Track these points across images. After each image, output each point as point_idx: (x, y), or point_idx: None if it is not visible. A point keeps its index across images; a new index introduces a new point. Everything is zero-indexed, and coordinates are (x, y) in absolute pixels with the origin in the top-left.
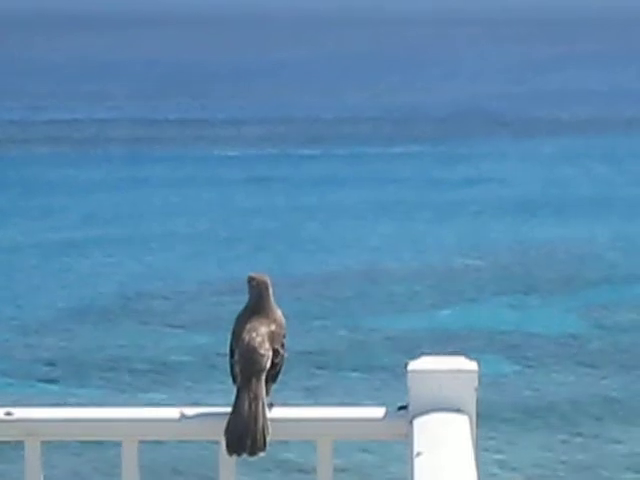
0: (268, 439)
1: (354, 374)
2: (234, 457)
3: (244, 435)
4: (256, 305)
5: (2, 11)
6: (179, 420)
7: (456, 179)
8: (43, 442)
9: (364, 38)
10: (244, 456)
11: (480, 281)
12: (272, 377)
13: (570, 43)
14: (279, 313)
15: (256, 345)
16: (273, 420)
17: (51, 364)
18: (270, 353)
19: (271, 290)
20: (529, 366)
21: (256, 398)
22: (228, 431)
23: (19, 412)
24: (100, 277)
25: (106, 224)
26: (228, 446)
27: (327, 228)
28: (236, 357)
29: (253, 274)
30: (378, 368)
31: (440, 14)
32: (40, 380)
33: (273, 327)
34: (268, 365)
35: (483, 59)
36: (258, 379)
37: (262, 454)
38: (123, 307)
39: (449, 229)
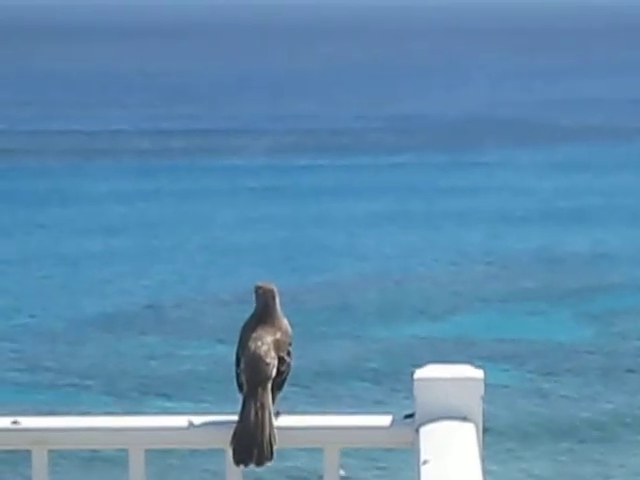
0: (275, 448)
1: (361, 382)
2: (241, 466)
3: (251, 444)
4: (262, 314)
5: (6, 20)
6: (187, 428)
7: (462, 187)
8: (50, 451)
9: (368, 47)
10: (251, 466)
11: (487, 290)
12: (278, 385)
13: (576, 52)
14: (285, 321)
15: (262, 353)
16: (280, 428)
17: (60, 372)
18: (276, 361)
19: (278, 299)
20: (536, 375)
21: (262, 407)
22: (235, 440)
23: (26, 421)
24: (109, 287)
25: (117, 235)
26: (235, 455)
27: (334, 237)
28: (242, 366)
29: (260, 283)
30: (385, 376)
31: (444, 23)
32: (48, 389)
33: (279, 335)
34: (274, 373)
35: (488, 68)
36: (264, 388)
37: (269, 463)
38: (134, 317)
39: (456, 237)
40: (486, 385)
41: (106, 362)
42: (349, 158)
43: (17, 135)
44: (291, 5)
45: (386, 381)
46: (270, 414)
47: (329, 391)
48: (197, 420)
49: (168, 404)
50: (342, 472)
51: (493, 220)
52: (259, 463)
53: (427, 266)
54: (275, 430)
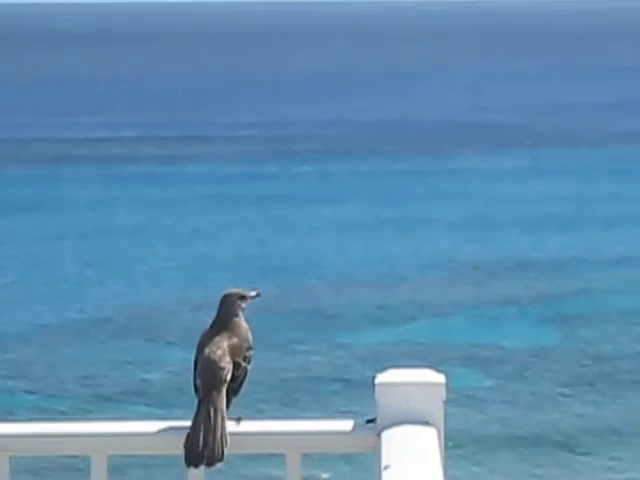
0: (226, 450)
1: (327, 388)
2: (202, 470)
3: (202, 446)
4: (221, 320)
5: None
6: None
7: (431, 193)
8: (11, 457)
9: (353, 52)
10: (201, 468)
11: (454, 294)
12: (233, 390)
13: (559, 56)
14: (244, 327)
15: (216, 358)
16: (242, 434)
17: (26, 378)
18: (230, 366)
19: (240, 305)
20: (502, 380)
21: (215, 410)
22: (187, 443)
23: None
24: (81, 293)
25: (89, 240)
26: (186, 458)
27: (304, 244)
28: (197, 370)
29: (226, 290)
30: (351, 382)
31: (428, 29)
32: (14, 394)
33: (235, 340)
34: (228, 378)
35: (471, 72)
36: (218, 391)
37: (219, 465)
38: (106, 323)
39: (426, 243)
40: (450, 389)
41: (76, 368)
42: (325, 164)
43: (16, 142)
44: (278, 10)
45: (352, 387)
46: (223, 417)
47: (296, 397)
48: (159, 426)
49: (140, 410)
50: (325, 475)
51: (464, 225)
52: (209, 464)
53: (392, 271)
54: (227, 432)
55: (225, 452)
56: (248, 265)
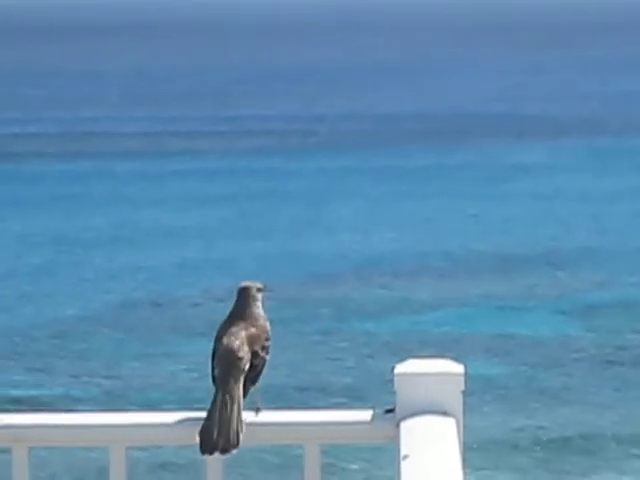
0: (242, 436)
1: (342, 378)
2: (220, 460)
3: (217, 433)
4: (238, 311)
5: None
6: (174, 422)
7: (454, 183)
8: (31, 448)
9: (364, 44)
10: (217, 455)
11: (476, 285)
12: (252, 379)
13: (569, 47)
14: (262, 318)
15: (234, 348)
16: (260, 424)
17: (48, 370)
18: (249, 355)
19: (257, 297)
20: (525, 370)
21: (232, 398)
22: (202, 431)
23: (6, 418)
24: (87, 286)
25: (91, 233)
26: (201, 445)
27: (320, 233)
28: (216, 360)
29: (242, 283)
30: (368, 371)
31: (439, 20)
32: (29, 387)
33: (253, 330)
34: (246, 367)
35: (482, 63)
36: (236, 380)
37: (234, 451)
38: (124, 314)
39: (446, 233)
40: (469, 379)
41: (87, 360)
42: (348, 156)
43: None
44: (289, 3)
45: (369, 376)
46: (239, 405)
47: (310, 386)
48: (178, 417)
49: (153, 401)
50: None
51: (487, 215)
52: (224, 450)
53: (409, 261)
54: (243, 419)
55: (240, 438)
56: (272, 256)
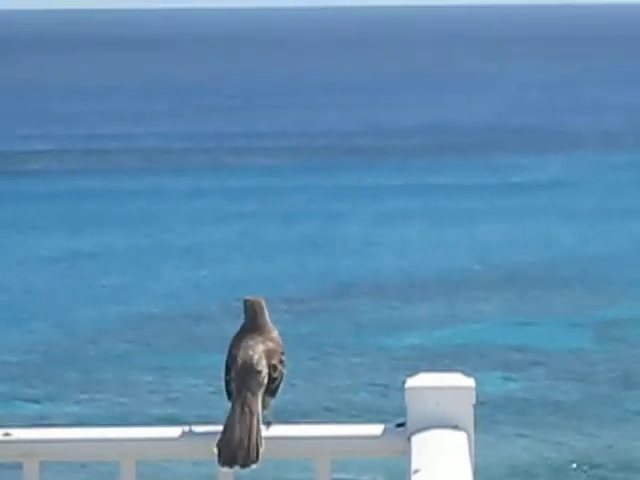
0: (261, 451)
1: (354, 391)
2: (232, 473)
3: (237, 447)
4: (252, 325)
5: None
6: (182, 436)
7: (474, 192)
8: (42, 462)
9: (384, 57)
10: (236, 468)
11: (488, 298)
12: (271, 393)
13: (587, 60)
14: (275, 332)
15: (254, 362)
16: (271, 438)
17: (58, 384)
18: (267, 369)
19: (266, 311)
20: (535, 383)
21: (251, 412)
22: (221, 442)
23: (17, 433)
24: (104, 297)
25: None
26: (220, 457)
27: (329, 242)
28: (232, 374)
29: (248, 297)
30: (379, 385)
31: (463, 33)
32: (42, 401)
33: (270, 344)
34: (265, 381)
35: (504, 76)
36: (254, 394)
37: (254, 466)
38: (138, 328)
39: (458, 246)
40: (481, 393)
41: (100, 373)
42: (351, 173)
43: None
44: (305, 18)
45: (383, 390)
46: (258, 419)
47: (322, 399)
48: (188, 430)
49: (167, 414)
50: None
51: (495, 231)
52: (244, 465)
53: (421, 274)
54: (262, 434)
55: (260, 453)
56: (286, 272)
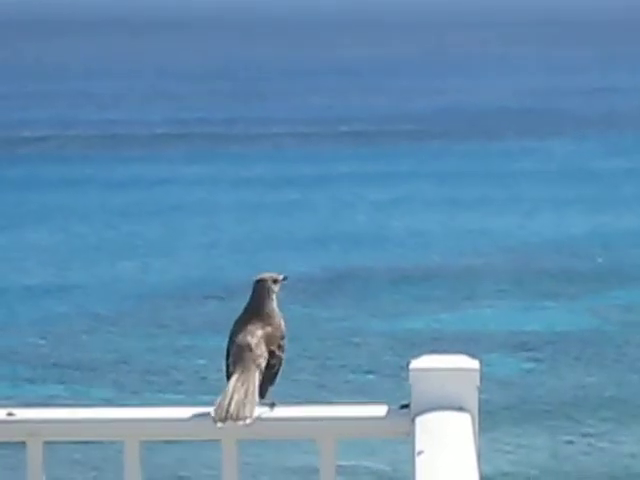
0: (255, 411)
1: (359, 374)
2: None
3: (230, 404)
4: (254, 308)
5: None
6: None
7: (479, 175)
8: (45, 442)
9: (397, 41)
10: (229, 422)
11: (488, 281)
12: (269, 379)
13: (605, 44)
14: (278, 316)
15: (252, 346)
16: (275, 419)
17: (57, 366)
18: (266, 354)
19: (273, 289)
20: (537, 366)
21: (247, 380)
22: (217, 405)
23: (21, 413)
24: (106, 279)
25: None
26: (215, 415)
27: (330, 226)
28: (231, 358)
29: (259, 275)
30: (387, 367)
31: (471, 18)
32: (47, 382)
33: (269, 329)
34: (263, 365)
35: (511, 60)
36: (250, 371)
37: (249, 421)
38: (132, 310)
39: (464, 227)
40: (485, 376)
41: (104, 355)
42: (361, 159)
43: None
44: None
45: (387, 372)
46: (254, 387)
47: (326, 382)
48: (192, 411)
49: (168, 396)
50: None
51: (506, 209)
52: (237, 419)
53: (426, 257)
54: (257, 396)
55: (255, 411)
56: (294, 254)
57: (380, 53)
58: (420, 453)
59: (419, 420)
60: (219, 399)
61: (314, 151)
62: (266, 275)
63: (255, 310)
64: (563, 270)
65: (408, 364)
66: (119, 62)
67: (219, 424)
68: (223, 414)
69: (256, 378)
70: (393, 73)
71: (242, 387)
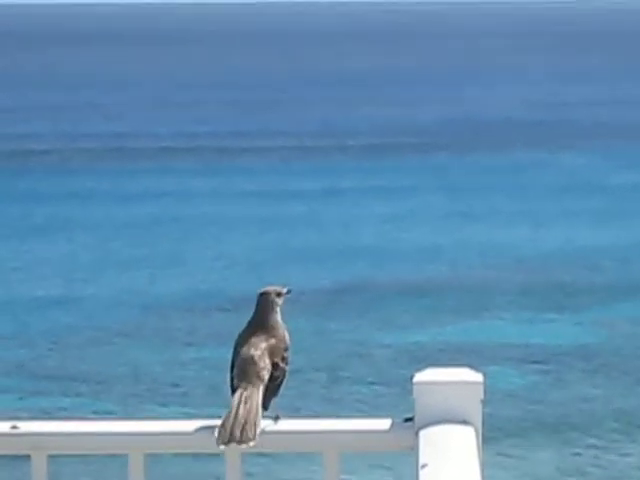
0: (259, 431)
1: (363, 385)
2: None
3: (235, 426)
4: (258, 320)
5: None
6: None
7: (481, 188)
8: (49, 456)
9: (406, 51)
10: (233, 445)
11: (495, 294)
12: (273, 390)
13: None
14: (281, 328)
15: (256, 359)
16: (279, 432)
17: (64, 379)
18: (269, 366)
19: (277, 302)
20: (542, 378)
21: (250, 397)
22: (221, 426)
23: (25, 425)
24: (109, 293)
25: (116, 239)
26: (218, 436)
27: (337, 239)
28: (235, 370)
29: (263, 288)
30: (390, 380)
31: (486, 28)
32: (53, 394)
33: (273, 341)
34: (266, 378)
35: (517, 70)
36: (255, 387)
37: (252, 444)
38: (137, 323)
39: (464, 241)
40: (490, 389)
41: (110, 367)
42: (369, 169)
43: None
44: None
45: (392, 385)
46: (257, 404)
47: (331, 395)
48: (196, 424)
49: (171, 409)
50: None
51: (514, 222)
52: (241, 442)
53: (430, 269)
54: (260, 417)
55: (258, 433)
56: (301, 266)
57: (386, 64)
58: (424, 466)
59: (423, 433)
60: (223, 418)
61: (321, 164)
62: (270, 288)
63: (259, 323)
64: (570, 282)
65: (412, 377)
66: (125, 74)
67: (222, 447)
68: (227, 436)
69: (260, 393)
70: (400, 84)
71: (245, 406)
